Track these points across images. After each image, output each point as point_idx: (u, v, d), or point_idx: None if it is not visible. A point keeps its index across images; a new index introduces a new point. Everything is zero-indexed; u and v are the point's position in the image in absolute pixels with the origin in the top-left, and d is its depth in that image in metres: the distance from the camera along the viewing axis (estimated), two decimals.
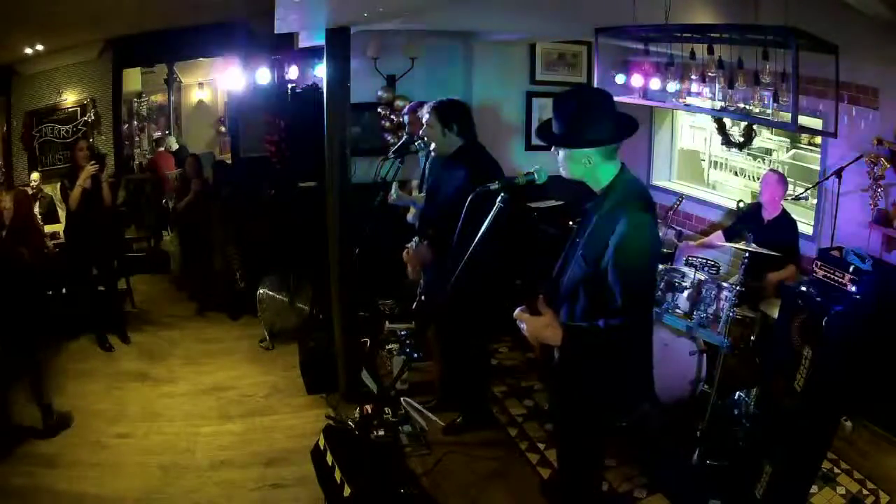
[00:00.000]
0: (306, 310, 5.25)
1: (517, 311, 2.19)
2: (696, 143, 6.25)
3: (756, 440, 3.22)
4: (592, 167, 2.17)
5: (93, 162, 4.87)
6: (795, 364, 2.90)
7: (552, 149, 2.24)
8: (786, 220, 4.28)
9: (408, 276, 3.80)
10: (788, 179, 4.49)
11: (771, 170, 4.62)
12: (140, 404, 4.24)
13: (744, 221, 4.49)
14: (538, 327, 2.12)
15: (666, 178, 6.51)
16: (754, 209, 4.49)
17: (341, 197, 4.01)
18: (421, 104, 4.08)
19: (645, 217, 2.11)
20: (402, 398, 3.98)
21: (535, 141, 6.08)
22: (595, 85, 4.61)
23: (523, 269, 4.50)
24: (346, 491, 2.79)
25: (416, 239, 3.69)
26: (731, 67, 3.65)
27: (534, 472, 3.51)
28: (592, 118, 2.14)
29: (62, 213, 6.48)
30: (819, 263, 3.07)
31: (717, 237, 4.64)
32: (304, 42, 5.16)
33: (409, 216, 4.36)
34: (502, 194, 2.35)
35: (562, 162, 2.22)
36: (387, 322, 5.05)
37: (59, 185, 5.30)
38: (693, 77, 3.94)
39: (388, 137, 5.51)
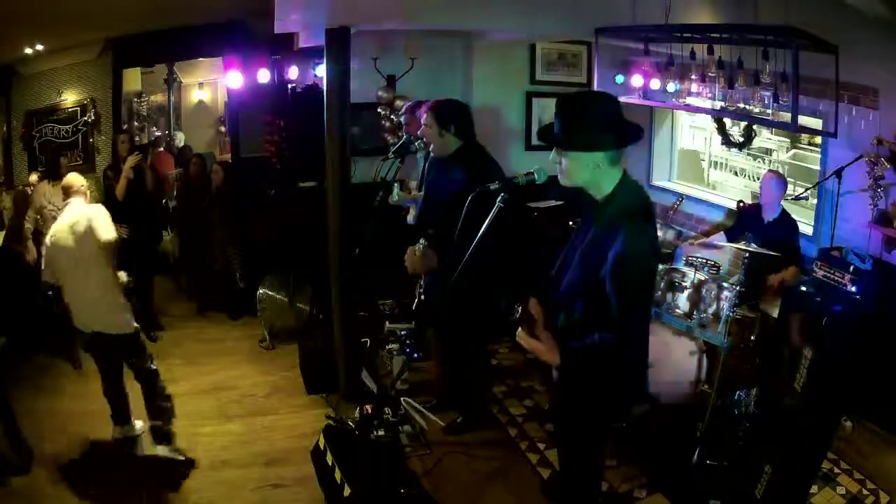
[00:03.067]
0: (306, 310, 5.25)
1: (518, 331, 2.26)
2: (696, 143, 6.25)
3: (756, 440, 3.22)
4: (600, 173, 2.11)
5: (137, 152, 4.99)
6: (795, 364, 2.90)
7: (552, 155, 2.18)
8: (786, 221, 4.28)
9: (412, 274, 3.78)
10: (788, 179, 4.49)
11: (770, 170, 4.62)
12: (140, 404, 4.23)
13: (744, 222, 4.49)
14: (538, 352, 2.22)
15: (666, 178, 6.51)
16: (754, 210, 4.48)
17: (341, 197, 4.00)
18: (419, 104, 4.08)
19: (645, 228, 2.09)
20: (402, 398, 3.98)
21: (536, 141, 6.09)
22: (595, 85, 4.62)
23: (523, 269, 4.50)
24: (346, 491, 2.79)
25: (422, 241, 3.66)
26: (731, 67, 3.65)
27: (534, 472, 3.51)
28: (603, 121, 2.09)
29: None
30: (819, 263, 3.07)
31: (718, 238, 4.63)
32: (304, 42, 5.17)
33: (410, 217, 4.35)
34: (502, 194, 2.34)
35: (565, 168, 2.14)
36: (387, 322, 5.05)
37: (101, 177, 5.40)
38: (693, 77, 3.95)
39: (388, 137, 5.51)
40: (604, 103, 2.12)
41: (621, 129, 2.12)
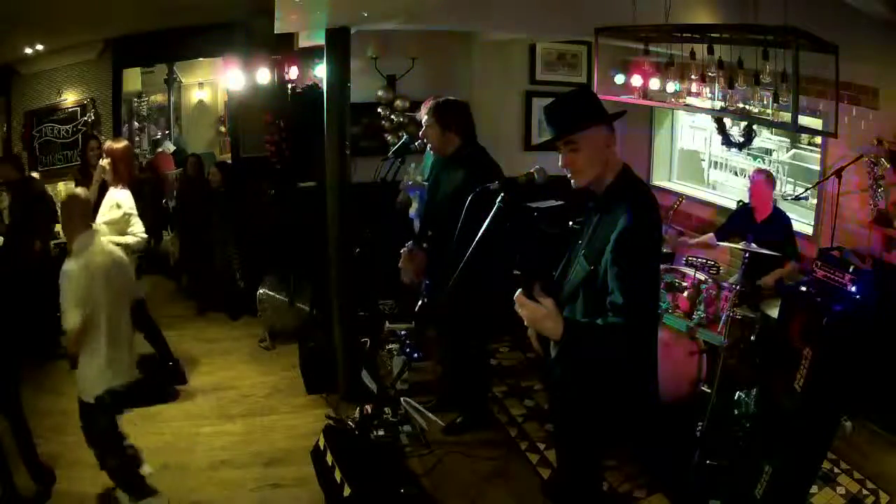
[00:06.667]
0: (306, 310, 5.25)
1: (517, 294, 2.00)
2: (696, 143, 6.25)
3: (756, 440, 3.21)
4: (607, 158, 2.14)
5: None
6: (795, 364, 2.90)
7: (561, 160, 2.18)
8: (778, 218, 4.23)
9: (402, 279, 3.79)
10: (788, 180, 4.47)
11: (757, 169, 4.54)
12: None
13: (735, 222, 4.44)
14: (539, 317, 1.96)
15: (666, 178, 6.51)
16: (745, 210, 4.44)
17: (341, 197, 4.01)
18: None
19: (646, 213, 2.08)
20: (402, 398, 3.98)
21: (536, 140, 6.10)
22: (595, 85, 4.61)
23: (522, 264, 4.49)
24: (346, 491, 2.79)
25: (411, 242, 3.68)
26: (731, 67, 3.64)
27: (534, 472, 3.51)
28: (585, 98, 2.20)
29: None
30: (819, 263, 3.07)
31: (709, 238, 4.60)
32: (304, 42, 5.16)
33: (412, 211, 4.35)
34: (502, 194, 2.34)
35: (578, 162, 2.13)
36: (387, 322, 5.05)
37: (73, 182, 5.39)
38: (693, 77, 3.93)
39: (388, 137, 5.51)
40: (579, 90, 2.28)
41: (602, 106, 2.21)
